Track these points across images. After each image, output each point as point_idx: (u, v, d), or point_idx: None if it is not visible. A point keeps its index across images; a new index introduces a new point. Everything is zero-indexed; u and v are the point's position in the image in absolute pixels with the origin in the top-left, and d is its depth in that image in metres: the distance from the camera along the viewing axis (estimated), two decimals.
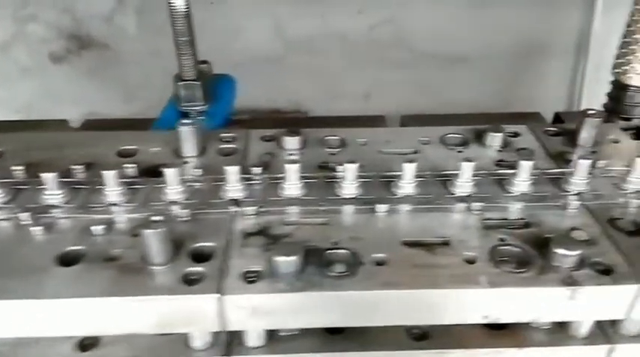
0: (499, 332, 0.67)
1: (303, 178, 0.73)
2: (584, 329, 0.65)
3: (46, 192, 0.70)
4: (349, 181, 0.71)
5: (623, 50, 0.88)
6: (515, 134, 0.85)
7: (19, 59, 2.23)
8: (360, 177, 0.73)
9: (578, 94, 3.07)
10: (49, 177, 0.69)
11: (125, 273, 0.60)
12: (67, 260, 0.62)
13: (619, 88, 0.91)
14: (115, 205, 0.69)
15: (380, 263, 0.62)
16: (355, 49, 2.74)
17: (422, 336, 0.67)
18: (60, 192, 0.69)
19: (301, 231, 0.67)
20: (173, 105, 1.20)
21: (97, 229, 0.65)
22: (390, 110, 2.56)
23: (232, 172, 0.69)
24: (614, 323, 0.66)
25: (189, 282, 0.59)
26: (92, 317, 0.58)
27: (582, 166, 0.70)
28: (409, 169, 0.70)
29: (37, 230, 0.66)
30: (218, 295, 0.57)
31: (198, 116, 1.16)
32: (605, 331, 0.66)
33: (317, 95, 2.93)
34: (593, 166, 0.75)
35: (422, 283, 0.59)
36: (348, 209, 0.70)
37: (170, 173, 0.69)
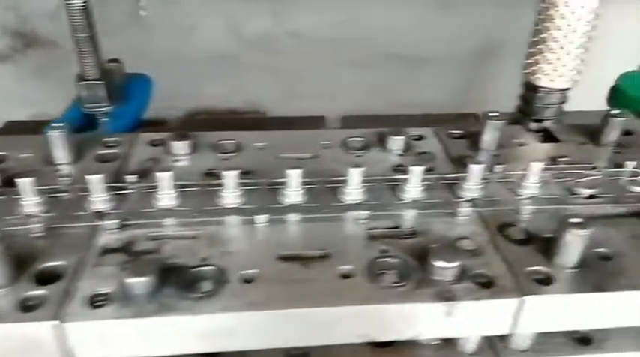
0: (384, 349, 0.63)
1: (182, 186, 0.67)
2: (471, 345, 0.62)
3: None
4: (230, 189, 0.65)
5: (530, 50, 0.86)
6: (420, 137, 0.82)
7: None
8: (246, 184, 0.68)
9: None
10: None
11: None
12: None
13: (529, 89, 0.90)
14: None
15: (248, 280, 0.57)
16: (312, 48, 2.70)
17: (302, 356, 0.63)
18: None
19: (169, 246, 0.61)
20: (76, 106, 1.12)
21: None
22: (349, 110, 2.54)
23: (95, 181, 0.63)
24: (503, 338, 0.63)
25: (27, 307, 0.52)
26: None
27: (474, 171, 0.66)
28: (294, 177, 0.65)
29: None
30: (56, 322, 0.51)
31: (103, 118, 1.09)
32: (495, 345, 0.64)
33: (275, 95, 2.88)
34: (491, 170, 0.73)
35: (289, 302, 0.54)
36: (227, 221, 0.65)
37: (23, 184, 0.62)
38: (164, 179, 0.63)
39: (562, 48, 0.80)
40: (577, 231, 0.56)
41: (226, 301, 0.54)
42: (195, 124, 1.78)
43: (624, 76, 2.32)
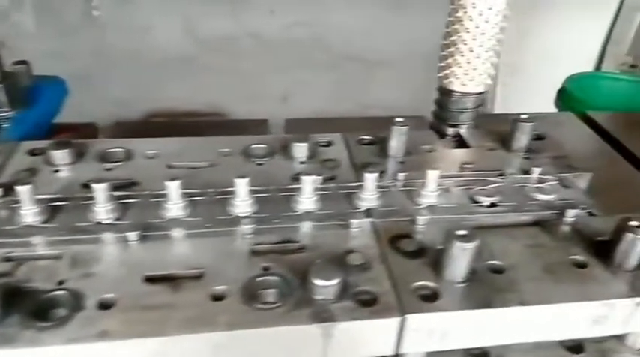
0: None
1: (52, 200, 0.61)
2: None
3: None
4: (101, 203, 0.60)
5: (442, 54, 0.84)
6: (329, 144, 0.78)
7: None
8: (123, 197, 0.63)
9: (492, 97, 3.17)
10: None
11: None
12: None
13: (443, 94, 0.87)
14: None
15: (105, 306, 0.51)
16: (271, 50, 2.65)
17: None
18: None
19: (25, 268, 0.55)
20: None
21: None
22: (308, 112, 2.51)
23: None
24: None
25: None
26: None
27: (369, 180, 0.63)
28: (173, 188, 0.60)
29: None
30: None
31: (4, 123, 1.02)
32: None
33: (235, 97, 2.82)
34: (395, 178, 0.70)
35: (145, 330, 0.49)
36: (97, 238, 0.59)
37: None
38: (24, 193, 0.57)
39: (472, 51, 0.78)
40: (462, 244, 0.53)
41: (74, 331, 0.48)
42: (127, 128, 1.70)
43: (571, 79, 2.37)
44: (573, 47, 3.06)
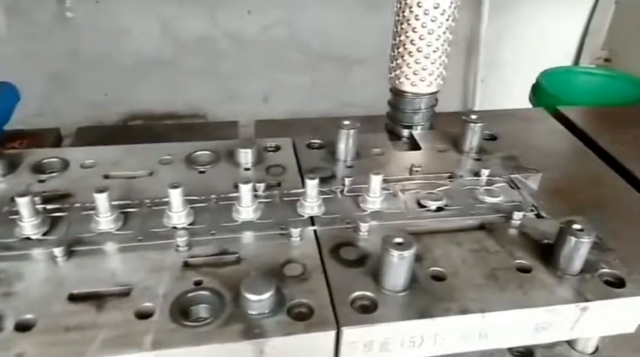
0: None
1: None
2: None
3: None
4: (27, 218, 0.57)
5: (392, 54, 0.82)
6: (277, 148, 0.76)
7: None
8: (55, 210, 0.60)
9: (472, 94, 3.18)
10: None
11: None
12: None
13: (395, 95, 0.86)
14: None
15: (24, 328, 0.48)
16: (249, 51, 2.62)
17: None
18: None
19: None
20: None
21: None
22: (287, 112, 2.48)
23: None
24: None
25: None
26: None
27: (310, 186, 0.61)
28: (102, 200, 0.58)
29: None
30: None
31: None
32: None
33: (214, 98, 2.78)
34: (342, 183, 0.68)
35: (63, 353, 0.46)
36: (22, 255, 0.56)
37: None
38: None
39: (420, 51, 0.76)
40: (399, 252, 0.51)
41: None
42: (95, 133, 1.65)
43: (545, 74, 2.38)
44: (552, 42, 3.08)
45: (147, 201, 0.62)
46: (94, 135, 1.61)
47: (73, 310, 0.50)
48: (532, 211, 0.65)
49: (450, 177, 0.71)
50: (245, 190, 0.59)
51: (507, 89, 2.92)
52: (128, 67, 2.59)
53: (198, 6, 2.55)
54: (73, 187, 0.64)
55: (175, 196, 0.58)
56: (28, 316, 0.48)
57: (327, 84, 2.75)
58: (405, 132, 0.83)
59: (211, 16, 2.57)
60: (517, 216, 0.64)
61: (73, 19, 2.53)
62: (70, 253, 0.56)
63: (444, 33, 0.75)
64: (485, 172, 0.70)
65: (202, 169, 0.70)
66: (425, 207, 0.66)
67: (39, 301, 0.50)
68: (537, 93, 2.30)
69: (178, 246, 0.58)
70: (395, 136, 0.83)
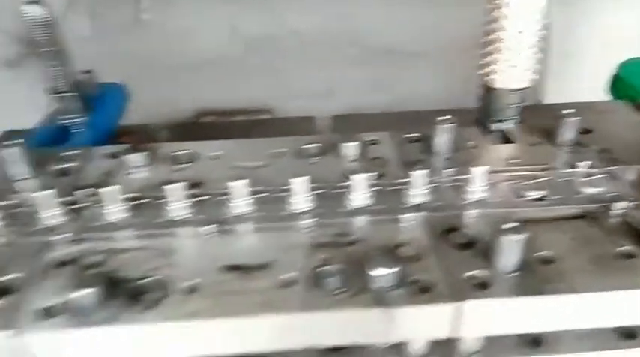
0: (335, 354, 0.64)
1: (132, 199, 0.69)
2: (419, 347, 0.63)
3: None
4: (176, 202, 0.66)
5: (483, 51, 0.86)
6: (375, 142, 0.82)
7: None
8: (194, 196, 0.69)
9: (543, 85, 3.07)
10: None
11: None
12: None
13: (486, 90, 0.89)
14: None
15: (190, 291, 0.58)
16: (312, 46, 2.69)
17: None
18: None
19: (116, 259, 0.62)
20: (51, 119, 1.14)
21: None
22: (350, 108, 2.53)
23: (46, 197, 0.64)
24: (452, 341, 0.64)
25: None
26: None
27: (418, 177, 0.67)
28: (239, 188, 0.66)
29: None
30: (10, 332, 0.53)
31: (76, 129, 1.11)
32: (445, 347, 0.64)
33: (279, 94, 2.88)
34: (441, 175, 0.73)
35: (226, 311, 0.55)
36: (174, 233, 0.66)
37: None
38: (109, 194, 0.65)
39: (511, 49, 0.79)
40: (511, 236, 0.56)
41: (168, 311, 0.55)
42: (177, 129, 1.79)
43: (625, 65, 2.27)
44: (628, 31, 2.92)
45: (270, 188, 0.70)
46: (178, 131, 1.75)
47: (226, 278, 0.59)
48: (632, 201, 0.68)
49: (546, 169, 0.74)
50: (358, 179, 0.66)
51: (580, 81, 2.80)
52: (197, 65, 2.73)
53: (263, 3, 2.65)
54: (205, 175, 0.74)
55: (300, 184, 0.66)
56: (192, 281, 0.58)
57: (388, 79, 2.77)
58: (495, 126, 0.87)
59: (275, 13, 2.67)
60: (618, 206, 0.66)
61: (148, 19, 2.71)
62: (214, 232, 0.65)
63: (538, 30, 0.78)
64: (582, 164, 0.73)
65: (312, 161, 0.78)
66: (525, 197, 0.70)
67: (196, 270, 0.60)
68: (616, 84, 2.21)
69: (303, 228, 0.66)
70: (485, 131, 0.87)
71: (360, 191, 0.67)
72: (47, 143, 1.11)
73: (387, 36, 2.54)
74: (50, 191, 0.64)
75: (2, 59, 2.20)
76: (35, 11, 0.95)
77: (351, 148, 0.77)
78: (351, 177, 0.67)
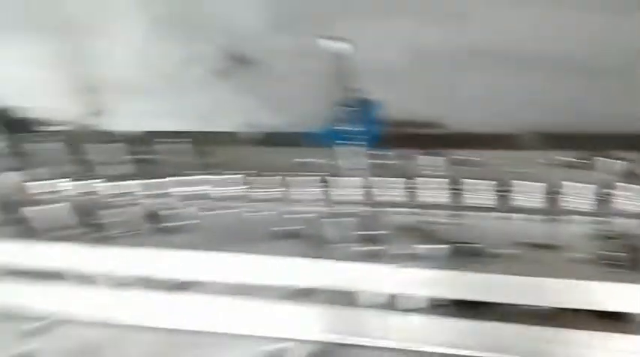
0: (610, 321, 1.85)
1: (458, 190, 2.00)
2: None
3: None
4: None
5: None
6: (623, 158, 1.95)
7: (193, 75, 3.06)
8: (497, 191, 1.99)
9: None
10: None
11: None
12: None
13: None
14: None
15: (498, 256, 1.87)
16: (504, 62, 3.14)
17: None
18: None
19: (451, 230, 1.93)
20: (334, 124, 2.22)
21: None
22: (540, 124, 3.03)
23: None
24: None
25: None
26: None
27: None
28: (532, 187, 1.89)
29: None
30: None
31: (354, 136, 2.21)
32: None
33: (451, 107, 3.47)
34: None
35: (538, 272, 1.79)
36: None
37: None
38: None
39: None
40: None
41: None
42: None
43: None
44: None
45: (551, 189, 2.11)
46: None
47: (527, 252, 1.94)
48: None
49: None
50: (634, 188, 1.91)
51: None
52: (369, 77, 2.95)
53: (444, 19, 2.80)
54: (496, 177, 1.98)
55: (569, 188, 2.07)
56: (504, 250, 1.99)
57: (574, 96, 2.74)
58: None
59: (454, 29, 2.82)
60: None
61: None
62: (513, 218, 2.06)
63: None
64: None
65: (571, 172, 2.04)
66: None
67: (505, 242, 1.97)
68: None
69: (584, 223, 1.96)
70: None
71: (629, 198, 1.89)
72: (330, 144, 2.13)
73: (579, 52, 2.92)
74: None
75: (213, 69, 3.13)
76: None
77: (608, 163, 1.96)
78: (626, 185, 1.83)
